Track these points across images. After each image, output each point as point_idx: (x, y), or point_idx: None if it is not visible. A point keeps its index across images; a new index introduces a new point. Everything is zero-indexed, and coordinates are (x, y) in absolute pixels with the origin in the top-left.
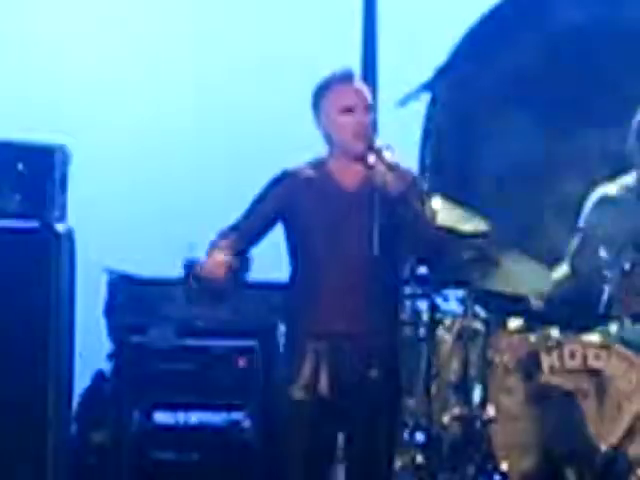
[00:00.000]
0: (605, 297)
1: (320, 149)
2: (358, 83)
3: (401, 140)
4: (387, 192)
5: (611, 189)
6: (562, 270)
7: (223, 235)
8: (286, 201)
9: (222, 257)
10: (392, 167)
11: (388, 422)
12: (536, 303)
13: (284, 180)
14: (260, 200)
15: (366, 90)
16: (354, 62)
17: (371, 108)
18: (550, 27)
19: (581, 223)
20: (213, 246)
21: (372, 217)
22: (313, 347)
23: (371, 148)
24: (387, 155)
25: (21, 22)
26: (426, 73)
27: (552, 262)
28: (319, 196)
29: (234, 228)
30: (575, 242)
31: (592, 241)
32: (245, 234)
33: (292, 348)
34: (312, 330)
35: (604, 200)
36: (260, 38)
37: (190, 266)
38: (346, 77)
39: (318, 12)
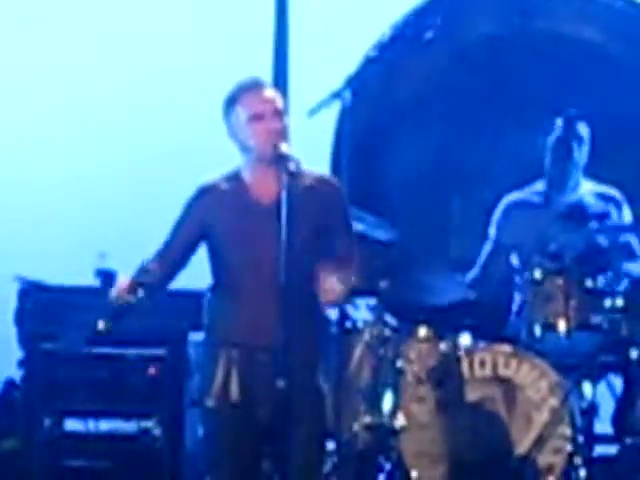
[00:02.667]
0: (515, 304)
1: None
2: (267, 90)
3: (313, 149)
4: (310, 197)
5: (520, 196)
6: (473, 277)
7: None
8: (205, 218)
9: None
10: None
11: (308, 433)
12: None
13: (201, 197)
14: (181, 221)
15: (277, 96)
16: (265, 69)
17: (282, 113)
18: (462, 37)
19: (491, 230)
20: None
21: (290, 228)
22: (226, 356)
23: (279, 155)
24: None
25: None
26: (338, 81)
27: (463, 269)
28: (235, 210)
29: (157, 257)
30: (486, 249)
31: (502, 248)
32: (168, 260)
33: (207, 357)
34: (227, 340)
35: (513, 207)
36: (171, 46)
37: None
38: (254, 85)
39: (230, 19)
